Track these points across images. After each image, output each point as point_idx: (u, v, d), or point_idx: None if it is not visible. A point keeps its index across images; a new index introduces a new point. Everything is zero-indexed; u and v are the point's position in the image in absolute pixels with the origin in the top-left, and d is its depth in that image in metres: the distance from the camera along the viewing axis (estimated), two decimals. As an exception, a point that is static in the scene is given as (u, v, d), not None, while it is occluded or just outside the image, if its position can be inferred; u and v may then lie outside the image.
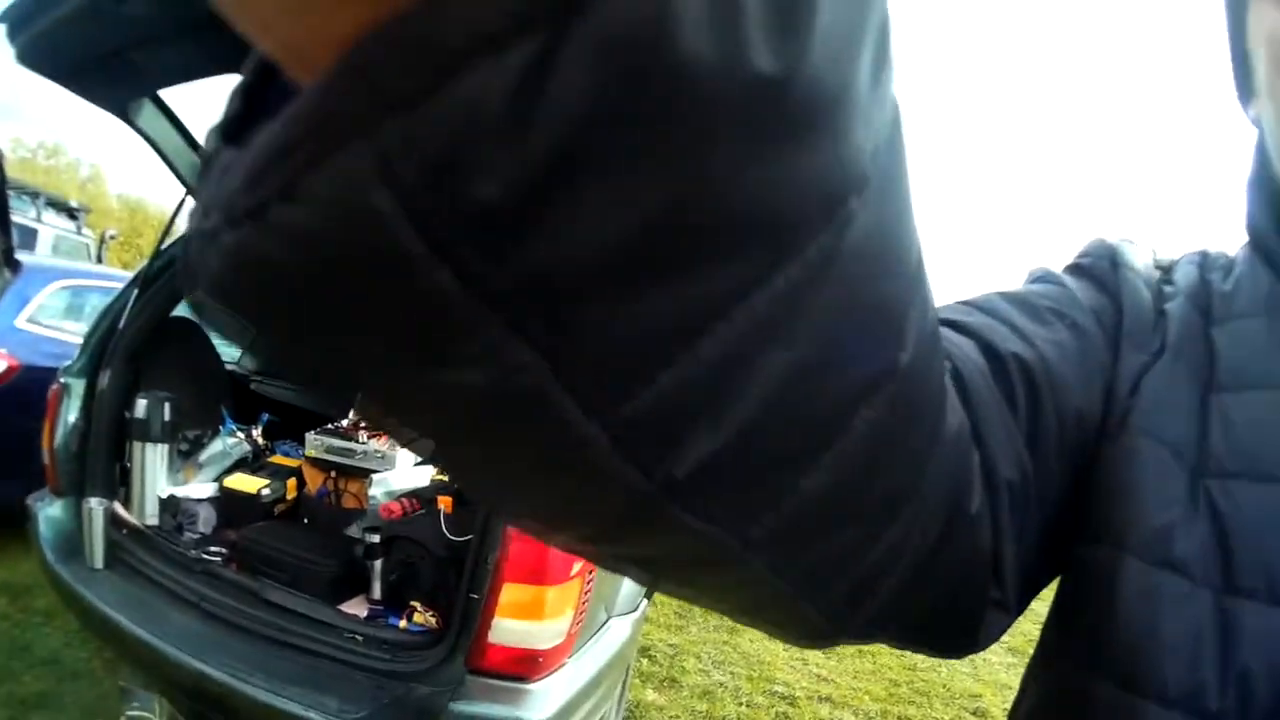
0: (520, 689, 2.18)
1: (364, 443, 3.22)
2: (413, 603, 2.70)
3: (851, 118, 0.23)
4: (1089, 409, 0.57)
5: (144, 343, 3.15)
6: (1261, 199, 0.60)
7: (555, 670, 2.27)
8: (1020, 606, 0.58)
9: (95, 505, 2.81)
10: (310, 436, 3.27)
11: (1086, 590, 0.55)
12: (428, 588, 2.79)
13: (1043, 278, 0.66)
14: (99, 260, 10.74)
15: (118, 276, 5.35)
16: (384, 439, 3.29)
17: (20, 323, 4.93)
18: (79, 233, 11.47)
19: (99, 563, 2.79)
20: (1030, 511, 0.54)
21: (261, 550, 2.94)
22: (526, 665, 2.18)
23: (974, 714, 5.11)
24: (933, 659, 5.88)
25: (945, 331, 0.54)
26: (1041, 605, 0.62)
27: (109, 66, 2.47)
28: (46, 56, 2.37)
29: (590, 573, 2.31)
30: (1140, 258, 0.66)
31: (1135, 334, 0.60)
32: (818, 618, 0.43)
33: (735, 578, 0.36)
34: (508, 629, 2.15)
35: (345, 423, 3.44)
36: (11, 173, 4.50)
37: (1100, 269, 0.65)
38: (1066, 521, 0.58)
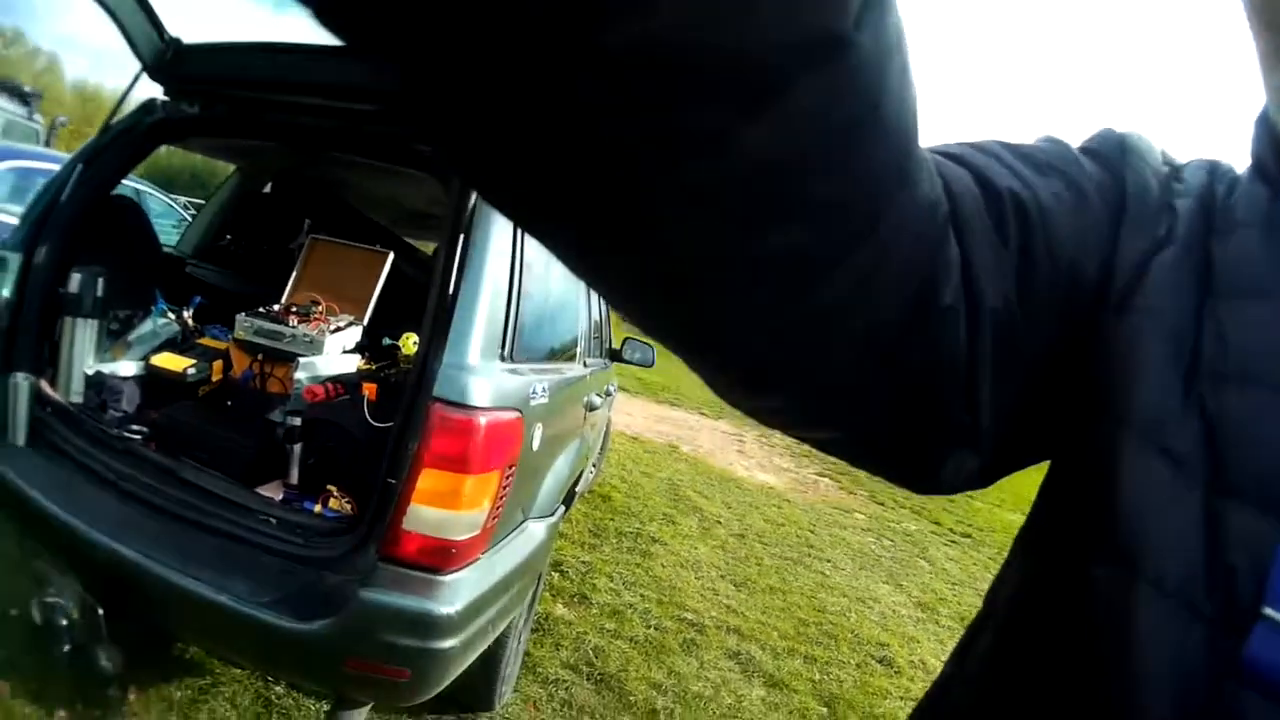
0: (431, 580, 2.18)
1: (293, 326, 3.19)
2: (329, 487, 2.70)
3: None
4: (1085, 268, 0.57)
5: (83, 219, 3.07)
6: (1266, 129, 0.61)
7: (468, 565, 2.27)
8: (996, 459, 0.59)
9: (21, 380, 2.73)
10: (240, 318, 3.22)
11: (1083, 467, 0.55)
12: (346, 474, 2.78)
13: (1048, 139, 0.64)
14: (47, 145, 10.57)
15: (56, 158, 5.24)
16: (314, 324, 3.26)
17: (-36, 200, 4.82)
18: (30, 118, 11.26)
19: (21, 439, 2.72)
20: (1016, 351, 0.54)
21: (182, 429, 2.92)
22: (439, 556, 2.18)
23: (880, 661, 5.23)
24: (842, 604, 6.02)
25: (940, 159, 0.54)
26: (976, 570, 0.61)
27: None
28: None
29: (510, 468, 2.32)
30: (1149, 150, 0.65)
31: (1139, 215, 0.59)
32: (764, 356, 0.45)
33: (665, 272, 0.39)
34: (423, 517, 2.15)
35: (276, 307, 3.40)
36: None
37: (1108, 151, 0.63)
38: (1056, 389, 0.57)
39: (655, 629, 4.66)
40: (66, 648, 2.47)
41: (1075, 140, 0.66)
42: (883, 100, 0.36)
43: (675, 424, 12.35)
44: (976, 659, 0.65)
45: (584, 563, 5.28)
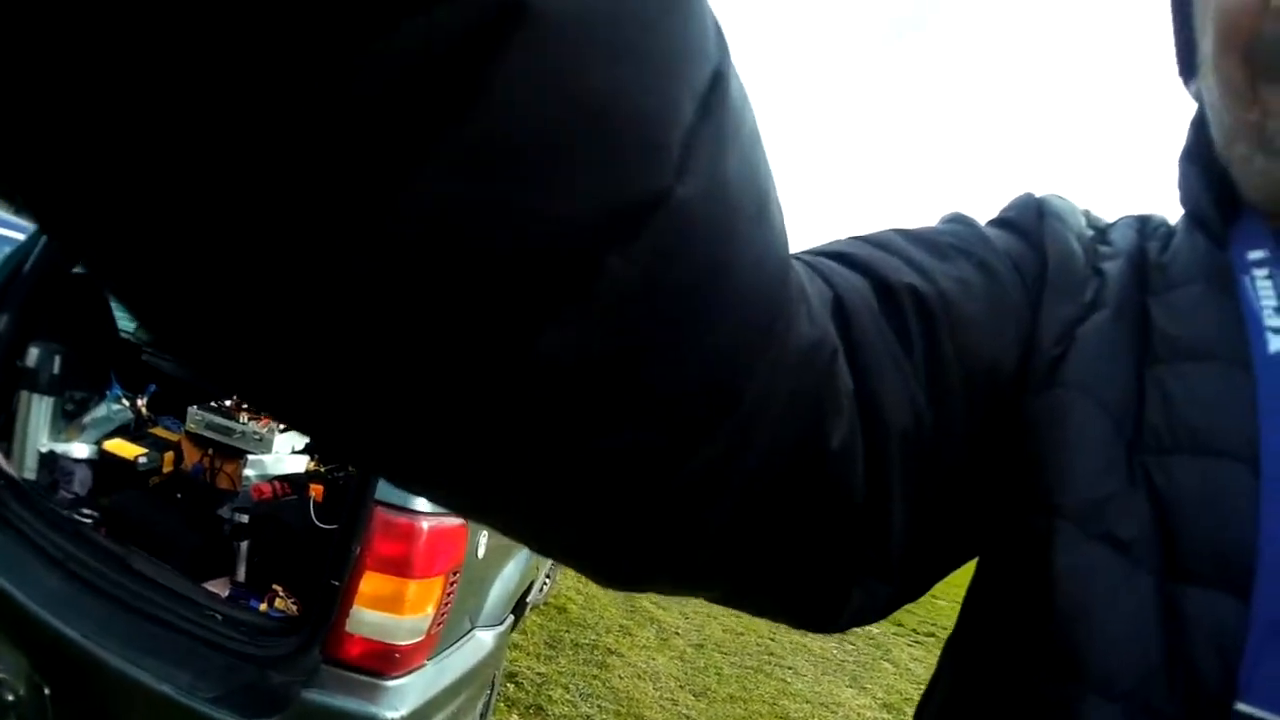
0: (376, 684, 2.17)
1: (244, 423, 3.20)
2: (275, 586, 2.68)
3: None
4: (1001, 354, 0.53)
5: (43, 294, 3.08)
6: (1197, 172, 0.58)
7: (413, 670, 2.25)
8: (912, 583, 0.54)
9: (-26, 449, 2.72)
10: (192, 411, 3.23)
11: (1014, 563, 0.51)
12: (291, 573, 2.77)
13: (951, 219, 0.61)
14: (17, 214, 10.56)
15: (23, 227, 5.25)
16: (264, 422, 3.26)
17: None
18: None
19: (-30, 509, 2.70)
20: (931, 467, 0.49)
21: (132, 518, 2.91)
22: (383, 660, 2.17)
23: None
24: (805, 710, 5.95)
25: (825, 263, 0.50)
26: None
27: None
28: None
29: (454, 574, 2.31)
30: (1070, 213, 0.62)
31: (1062, 283, 0.56)
32: (626, 544, 0.38)
33: (513, 497, 0.33)
34: (366, 620, 2.14)
35: (228, 402, 3.40)
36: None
37: (1024, 220, 0.61)
38: (979, 488, 0.53)
39: (612, 741, 4.57)
40: None
41: (992, 211, 0.64)
42: (731, 254, 0.31)
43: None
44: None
45: (539, 674, 5.17)
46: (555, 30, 0.21)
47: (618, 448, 0.31)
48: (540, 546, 0.39)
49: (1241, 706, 0.39)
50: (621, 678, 5.63)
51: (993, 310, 0.53)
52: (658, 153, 0.25)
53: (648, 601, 7.95)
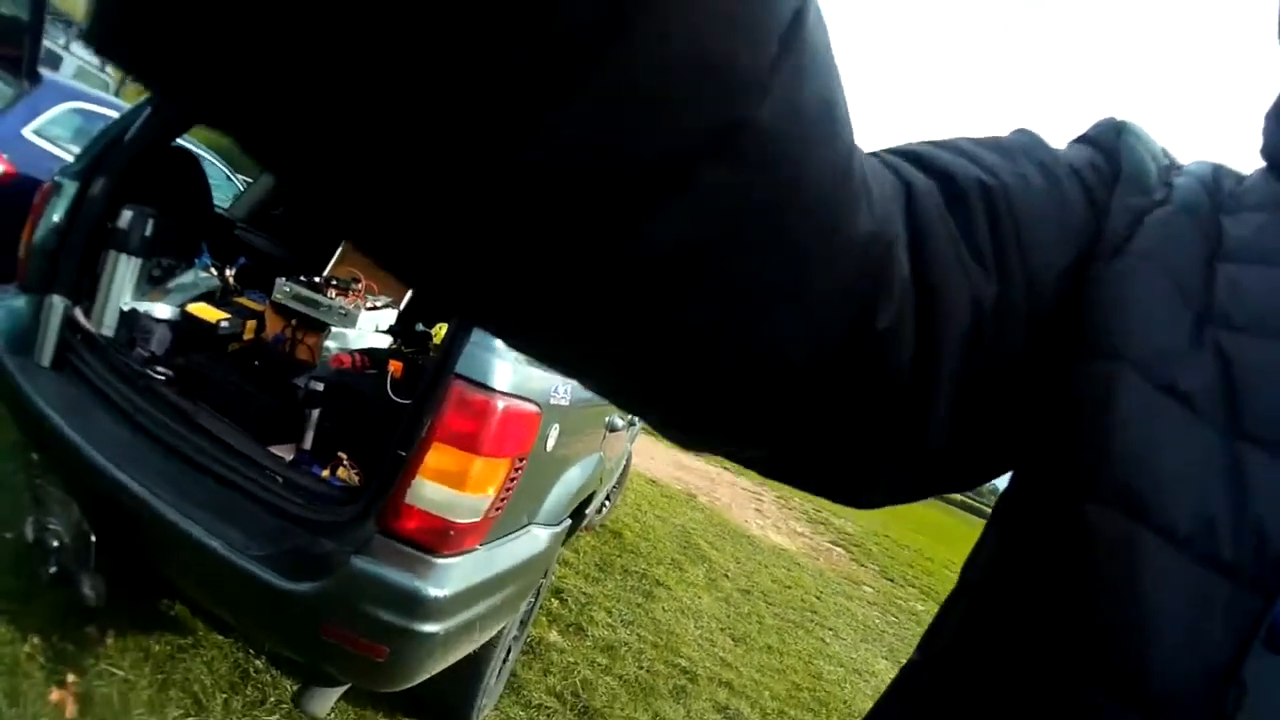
0: (425, 559, 2.16)
1: (331, 298, 3.20)
2: (340, 454, 2.70)
3: None
4: (1061, 249, 0.53)
5: (143, 160, 3.10)
6: None
7: (464, 552, 2.24)
8: (945, 477, 0.56)
9: (56, 303, 2.77)
10: (279, 282, 3.22)
11: (1077, 408, 0.50)
12: (359, 444, 2.78)
13: (1017, 131, 0.62)
14: (117, 96, 10.84)
15: (121, 106, 5.34)
16: (351, 298, 3.27)
17: (27, 132, 4.94)
18: (102, 69, 11.46)
19: (46, 360, 2.75)
20: (985, 362, 0.50)
21: (206, 378, 2.93)
22: (437, 537, 2.15)
23: (868, 733, 5.13)
24: (838, 673, 5.94)
25: (897, 160, 0.51)
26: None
27: None
28: None
29: (520, 460, 2.29)
30: (1149, 136, 0.62)
31: (1134, 184, 0.57)
32: (686, 408, 0.44)
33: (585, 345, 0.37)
34: (427, 494, 2.12)
35: (317, 277, 3.41)
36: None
37: (1103, 136, 0.61)
38: (1032, 382, 0.53)
39: (647, 670, 4.59)
40: (52, 570, 2.47)
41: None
42: (803, 165, 0.34)
43: (696, 474, 12.29)
44: (948, 633, 0.60)
45: (585, 594, 5.21)
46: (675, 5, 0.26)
47: (697, 324, 0.36)
48: (622, 399, 0.45)
49: None
50: (665, 610, 5.67)
51: (1054, 207, 0.54)
52: (745, 87, 0.29)
53: (701, 539, 8.02)
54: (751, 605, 6.81)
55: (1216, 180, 0.59)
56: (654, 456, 11.17)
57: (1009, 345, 0.51)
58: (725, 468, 14.27)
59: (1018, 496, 0.55)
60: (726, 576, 7.30)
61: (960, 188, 0.50)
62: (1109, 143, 0.60)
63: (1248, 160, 0.64)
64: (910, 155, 0.53)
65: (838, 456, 0.52)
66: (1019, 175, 0.53)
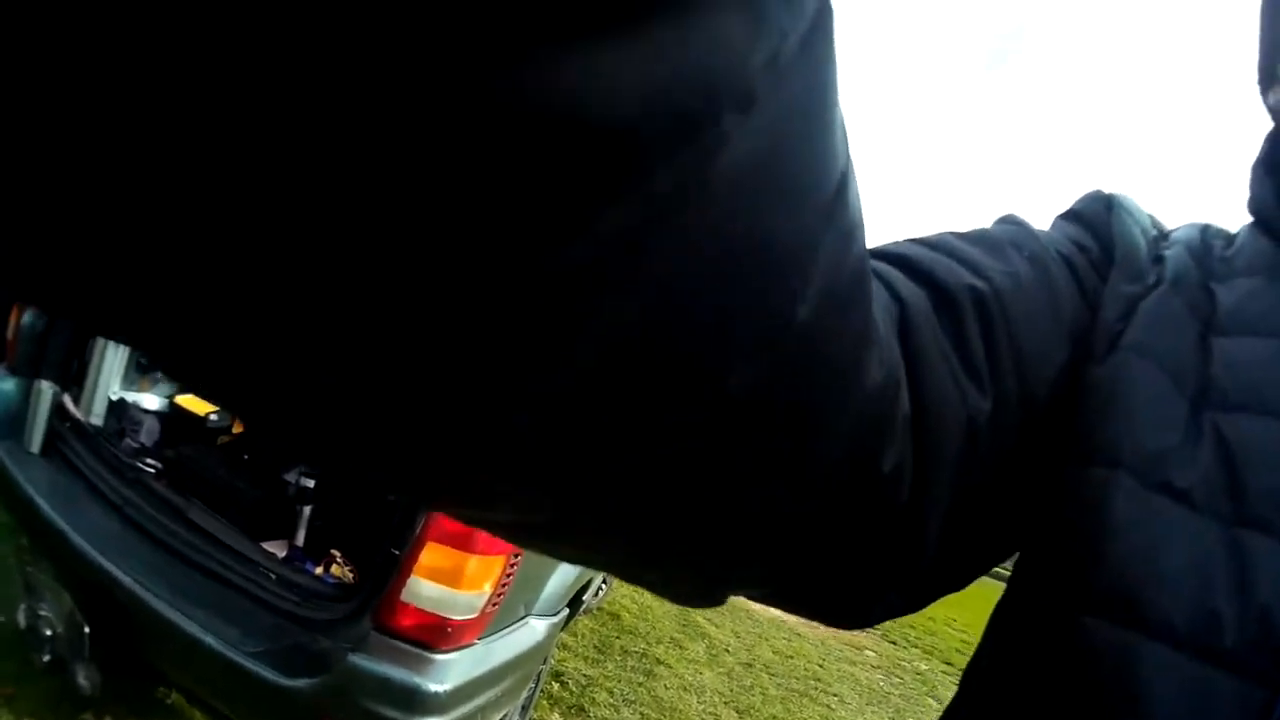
0: (424, 656, 2.15)
1: (320, 391, 3.17)
2: (333, 551, 2.69)
3: (721, 10, 0.20)
4: (1053, 347, 0.52)
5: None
6: (1271, 182, 0.59)
7: (463, 647, 2.23)
8: (948, 575, 0.55)
9: (45, 389, 2.78)
10: (266, 374, 3.21)
11: (1071, 514, 0.49)
12: (351, 541, 2.77)
13: (1003, 219, 0.62)
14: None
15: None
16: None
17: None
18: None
19: (35, 447, 2.75)
20: (976, 475, 0.49)
21: (196, 471, 2.93)
22: (434, 634, 2.14)
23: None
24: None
25: (887, 269, 0.49)
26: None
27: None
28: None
29: (515, 555, 2.28)
30: (1138, 209, 0.62)
31: (1127, 267, 0.56)
32: (686, 582, 0.44)
33: (592, 545, 0.36)
34: (422, 591, 2.12)
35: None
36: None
37: (1092, 212, 0.62)
38: (1025, 484, 0.53)
39: (650, 749, 4.53)
40: (46, 658, 2.47)
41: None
42: (834, 354, 0.34)
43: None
44: None
45: (586, 676, 5.15)
46: (725, 194, 0.23)
47: (712, 502, 0.34)
48: (624, 572, 0.43)
49: None
50: (667, 688, 5.61)
51: (1046, 305, 0.54)
52: (789, 282, 0.27)
53: (700, 616, 7.95)
54: (754, 678, 6.74)
55: (1205, 244, 0.60)
56: (649, 530, 11.16)
57: (1002, 454, 0.50)
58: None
59: (1012, 605, 0.54)
60: (727, 651, 7.23)
61: (951, 295, 0.49)
62: (1098, 220, 0.60)
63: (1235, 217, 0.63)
64: (896, 259, 0.52)
65: (837, 587, 0.50)
66: (1009, 274, 0.52)
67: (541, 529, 0.34)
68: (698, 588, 0.46)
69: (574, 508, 0.31)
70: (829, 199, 0.28)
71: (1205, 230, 0.62)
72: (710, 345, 0.26)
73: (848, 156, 0.29)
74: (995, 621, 0.57)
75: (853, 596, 0.52)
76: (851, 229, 0.31)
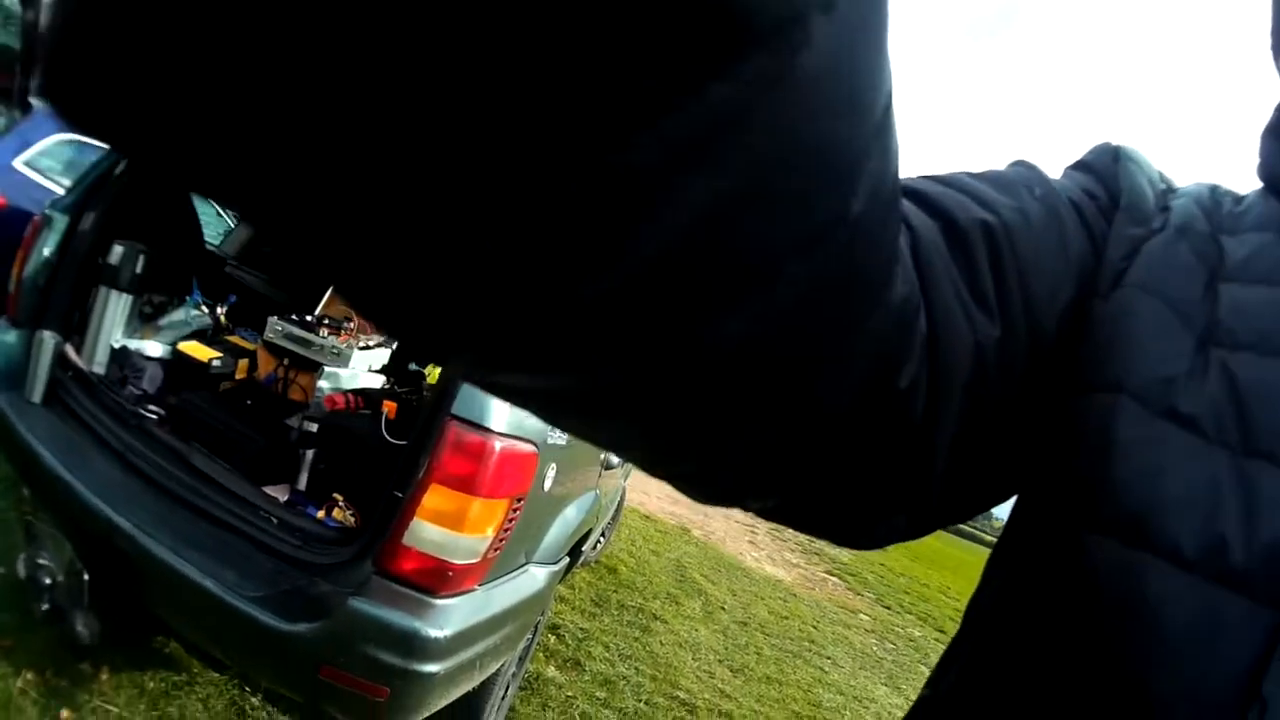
0: (424, 600, 2.15)
1: (323, 337, 3.19)
2: (335, 495, 2.69)
3: None
4: (1060, 282, 0.54)
5: (133, 195, 3.11)
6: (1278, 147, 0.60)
7: (463, 593, 2.23)
8: (954, 504, 0.55)
9: (47, 338, 2.78)
10: (271, 321, 3.22)
11: (1077, 440, 0.50)
12: (354, 485, 2.77)
13: (1015, 163, 0.63)
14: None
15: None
16: (344, 338, 3.26)
17: (17, 164, 4.94)
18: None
19: (37, 397, 2.75)
20: (987, 402, 0.50)
21: (198, 417, 2.93)
22: (435, 578, 2.14)
23: (867, 763, 5.14)
24: (838, 701, 5.93)
25: (907, 204, 0.51)
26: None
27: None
28: None
29: (518, 500, 2.28)
30: (1146, 161, 0.63)
31: (1133, 212, 0.57)
32: (702, 476, 0.45)
33: (612, 421, 0.36)
34: (424, 535, 2.11)
35: (309, 316, 3.41)
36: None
37: (1100, 162, 0.62)
38: (1032, 416, 0.54)
39: (646, 704, 4.56)
40: (45, 607, 2.47)
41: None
42: (870, 259, 0.36)
43: (689, 507, 12.26)
44: (955, 671, 0.61)
45: (582, 629, 5.19)
46: (802, 91, 0.24)
47: (752, 395, 0.35)
48: (652, 465, 0.44)
49: None
50: (663, 644, 5.65)
51: (1055, 242, 0.54)
52: (843, 186, 0.29)
53: (697, 574, 8.00)
54: (749, 637, 6.78)
55: (1215, 200, 0.60)
56: (647, 491, 11.15)
57: (1010, 383, 0.51)
58: (718, 499, 14.29)
59: (1017, 532, 0.55)
60: (723, 609, 7.28)
61: (962, 228, 0.50)
62: (1106, 169, 0.61)
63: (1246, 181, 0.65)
64: (910, 192, 0.53)
65: (846, 502, 0.51)
66: (1020, 211, 0.53)
67: (573, 400, 0.34)
68: (712, 490, 0.48)
69: (625, 382, 0.31)
70: (880, 115, 0.30)
71: (1214, 189, 0.63)
72: (776, 231, 0.28)
73: (892, 83, 0.31)
74: (997, 555, 0.59)
75: (860, 514, 0.53)
76: (894, 148, 0.33)
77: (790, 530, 0.58)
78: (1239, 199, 0.61)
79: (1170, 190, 0.62)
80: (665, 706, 4.64)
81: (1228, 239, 0.55)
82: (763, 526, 13.06)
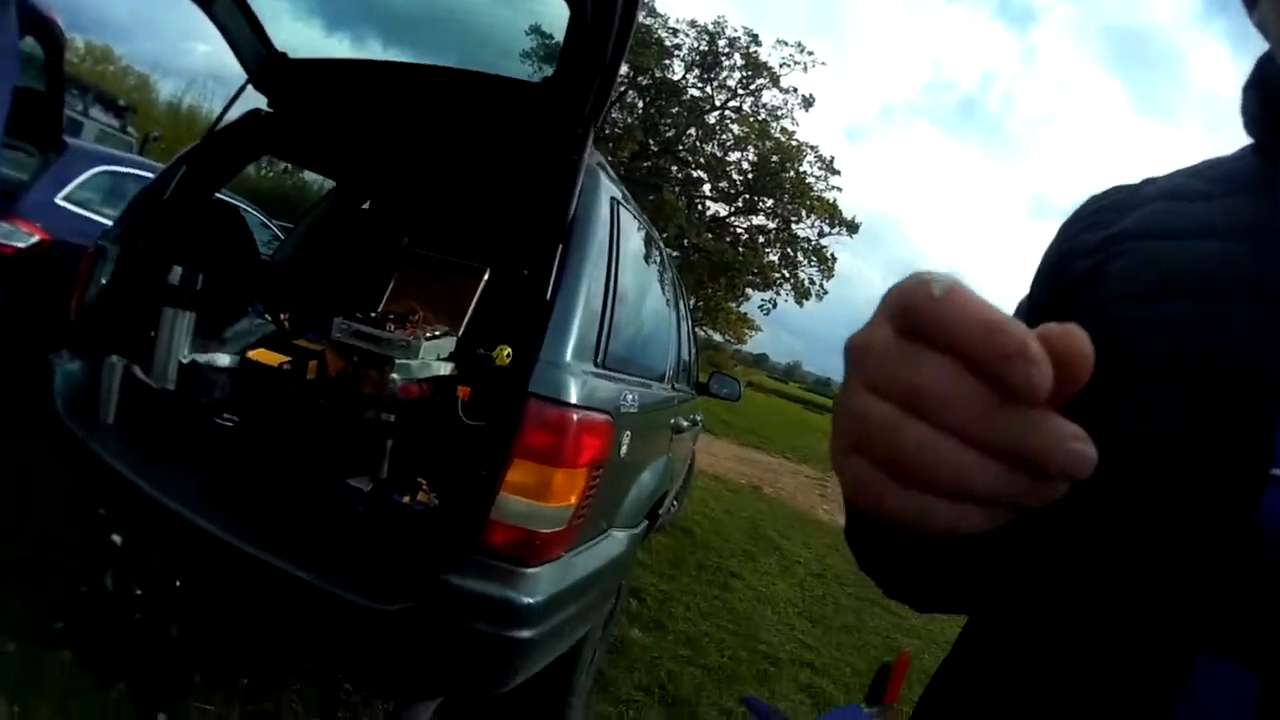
0: (515, 570, 2.20)
1: (390, 331, 3.24)
2: (419, 480, 2.75)
3: None
4: None
5: (186, 216, 3.20)
6: (1257, 97, 0.66)
7: (551, 560, 2.29)
8: None
9: (115, 362, 2.85)
10: (337, 321, 3.26)
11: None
12: (436, 469, 2.82)
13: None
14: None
15: (160, 168, 5.51)
16: (410, 330, 3.33)
17: (59, 200, 5.01)
18: (123, 131, 11.49)
19: (110, 418, 2.83)
20: None
21: (274, 419, 3.01)
22: (524, 548, 2.20)
23: (950, 700, 5.12)
24: (916, 645, 5.92)
25: None
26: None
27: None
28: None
29: (597, 468, 2.34)
30: (1070, 218, 0.75)
31: (1070, 247, 0.69)
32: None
33: None
34: (511, 508, 2.17)
35: (373, 313, 3.47)
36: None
37: (1040, 281, 0.74)
38: None
39: (730, 659, 4.63)
40: (136, 616, 2.54)
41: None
42: None
43: (758, 466, 12.29)
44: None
45: (662, 591, 5.28)
46: None
47: None
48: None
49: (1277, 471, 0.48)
50: (742, 600, 5.70)
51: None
52: None
53: (771, 530, 7.99)
54: (826, 588, 6.82)
55: (1194, 172, 0.69)
56: (715, 453, 11.16)
57: None
58: (786, 458, 14.21)
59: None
60: (798, 562, 7.31)
61: None
62: (1047, 275, 0.74)
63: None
64: None
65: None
66: None
67: None
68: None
69: None
70: None
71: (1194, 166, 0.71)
72: None
73: None
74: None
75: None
76: None
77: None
78: (1217, 163, 0.68)
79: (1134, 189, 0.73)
80: (748, 660, 4.70)
81: (1203, 206, 0.63)
82: (832, 480, 12.96)
